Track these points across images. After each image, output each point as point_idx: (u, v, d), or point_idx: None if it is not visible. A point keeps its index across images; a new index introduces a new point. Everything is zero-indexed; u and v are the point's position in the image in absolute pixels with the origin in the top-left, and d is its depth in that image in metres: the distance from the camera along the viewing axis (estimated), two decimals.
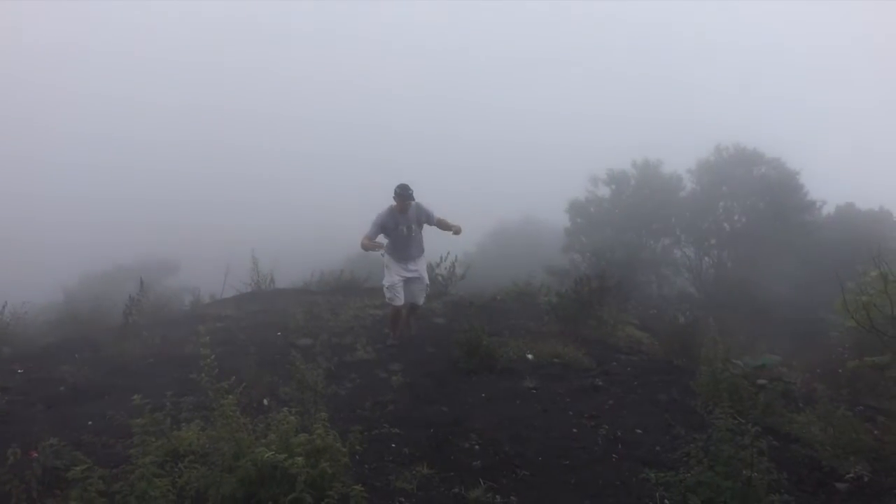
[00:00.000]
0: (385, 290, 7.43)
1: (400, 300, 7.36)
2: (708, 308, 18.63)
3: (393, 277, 7.32)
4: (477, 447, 4.37)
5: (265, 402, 5.20)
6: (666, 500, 3.54)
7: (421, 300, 7.73)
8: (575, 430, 4.74)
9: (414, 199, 7.16)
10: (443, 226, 7.48)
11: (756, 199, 23.61)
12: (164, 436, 3.60)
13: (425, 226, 7.51)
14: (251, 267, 13.03)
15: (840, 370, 6.78)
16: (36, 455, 3.76)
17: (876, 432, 4.63)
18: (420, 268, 7.50)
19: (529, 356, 6.95)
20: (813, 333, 13.76)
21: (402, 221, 7.18)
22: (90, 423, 4.98)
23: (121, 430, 4.10)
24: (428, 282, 7.80)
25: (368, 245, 7.05)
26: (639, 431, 4.73)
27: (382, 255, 7.43)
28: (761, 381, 5.39)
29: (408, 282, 7.39)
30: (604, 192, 26.72)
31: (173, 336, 8.18)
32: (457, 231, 7.40)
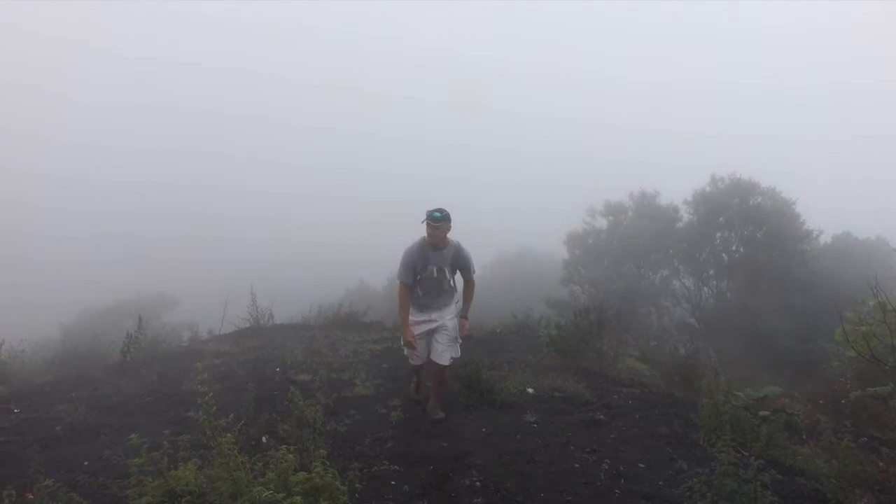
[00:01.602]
0: (403, 343, 5.93)
1: (420, 358, 5.99)
2: (708, 339, 18.61)
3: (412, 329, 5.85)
4: (478, 483, 4.32)
5: (263, 439, 5.14)
6: None
7: (446, 358, 5.84)
8: (577, 465, 4.69)
9: (449, 227, 5.67)
10: (466, 295, 6.10)
11: (753, 228, 23.67)
12: (161, 476, 3.55)
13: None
14: (250, 302, 13.03)
15: (843, 401, 6.73)
16: (31, 497, 3.72)
17: (881, 464, 4.58)
18: (446, 316, 5.90)
19: (530, 390, 6.91)
20: (814, 363, 13.70)
21: (434, 261, 5.70)
22: (86, 463, 4.92)
23: (117, 470, 4.06)
24: (458, 335, 5.98)
25: (404, 318, 5.80)
26: (641, 466, 4.68)
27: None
28: (763, 413, 5.35)
29: (430, 333, 5.90)
30: (601, 223, 26.86)
31: (171, 373, 8.12)
32: (462, 324, 6.06)
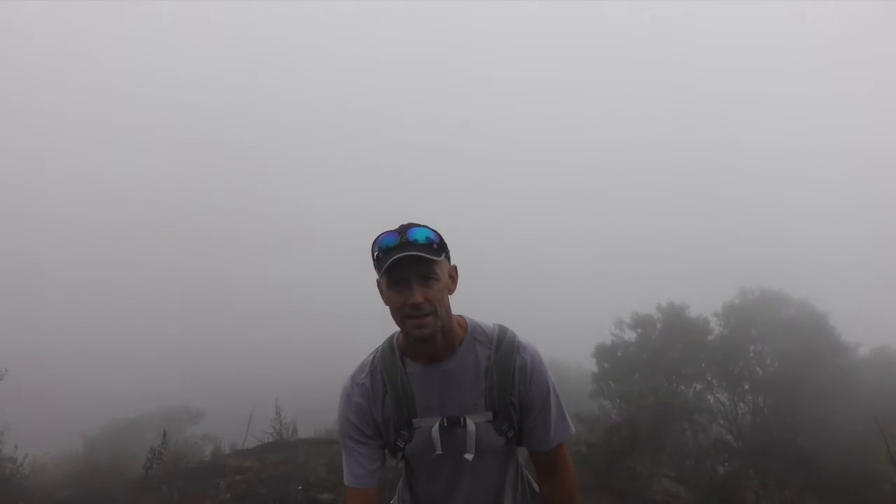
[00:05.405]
0: None
1: None
2: (746, 456, 17.81)
3: None
4: None
5: None
6: None
7: None
8: None
9: (450, 278, 2.02)
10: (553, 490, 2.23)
11: (786, 341, 23.23)
12: None
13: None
14: (274, 416, 12.92)
15: None
16: None
17: None
18: None
19: None
20: (864, 484, 13.00)
21: (435, 401, 2.02)
22: None
23: None
24: None
25: None
26: None
27: None
28: None
29: None
30: (630, 335, 26.47)
31: (192, 490, 7.95)
32: None
